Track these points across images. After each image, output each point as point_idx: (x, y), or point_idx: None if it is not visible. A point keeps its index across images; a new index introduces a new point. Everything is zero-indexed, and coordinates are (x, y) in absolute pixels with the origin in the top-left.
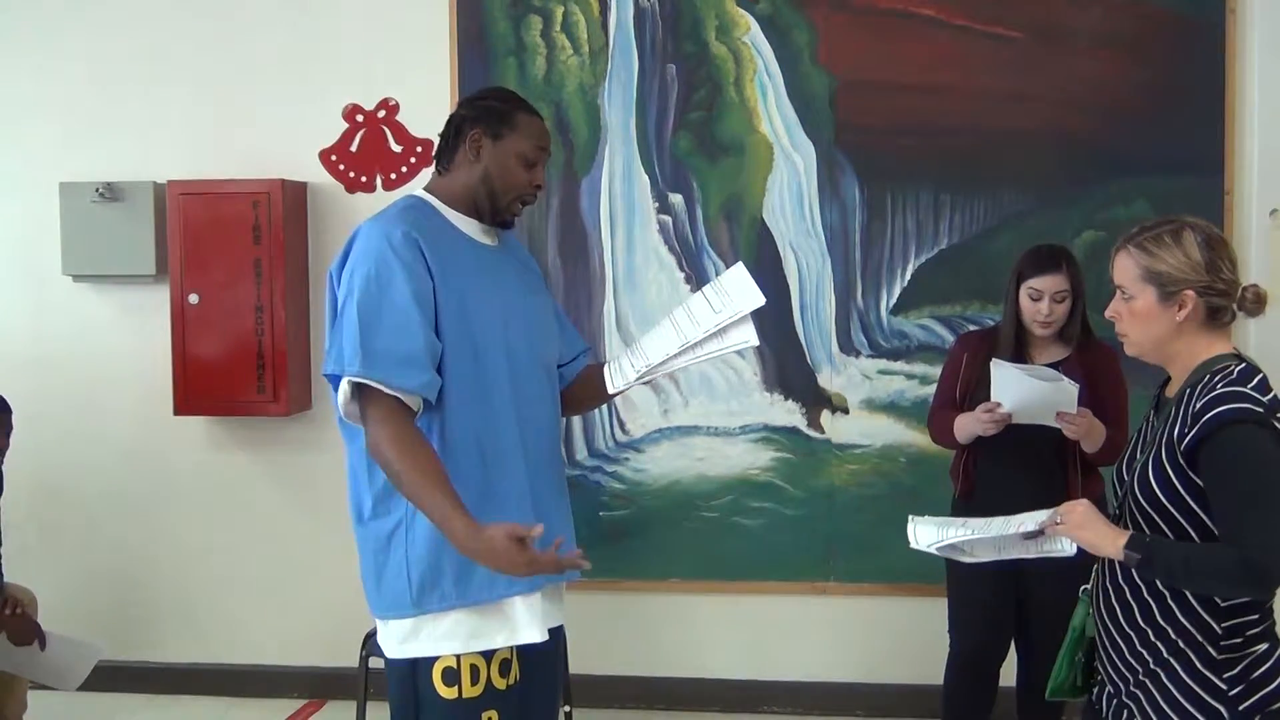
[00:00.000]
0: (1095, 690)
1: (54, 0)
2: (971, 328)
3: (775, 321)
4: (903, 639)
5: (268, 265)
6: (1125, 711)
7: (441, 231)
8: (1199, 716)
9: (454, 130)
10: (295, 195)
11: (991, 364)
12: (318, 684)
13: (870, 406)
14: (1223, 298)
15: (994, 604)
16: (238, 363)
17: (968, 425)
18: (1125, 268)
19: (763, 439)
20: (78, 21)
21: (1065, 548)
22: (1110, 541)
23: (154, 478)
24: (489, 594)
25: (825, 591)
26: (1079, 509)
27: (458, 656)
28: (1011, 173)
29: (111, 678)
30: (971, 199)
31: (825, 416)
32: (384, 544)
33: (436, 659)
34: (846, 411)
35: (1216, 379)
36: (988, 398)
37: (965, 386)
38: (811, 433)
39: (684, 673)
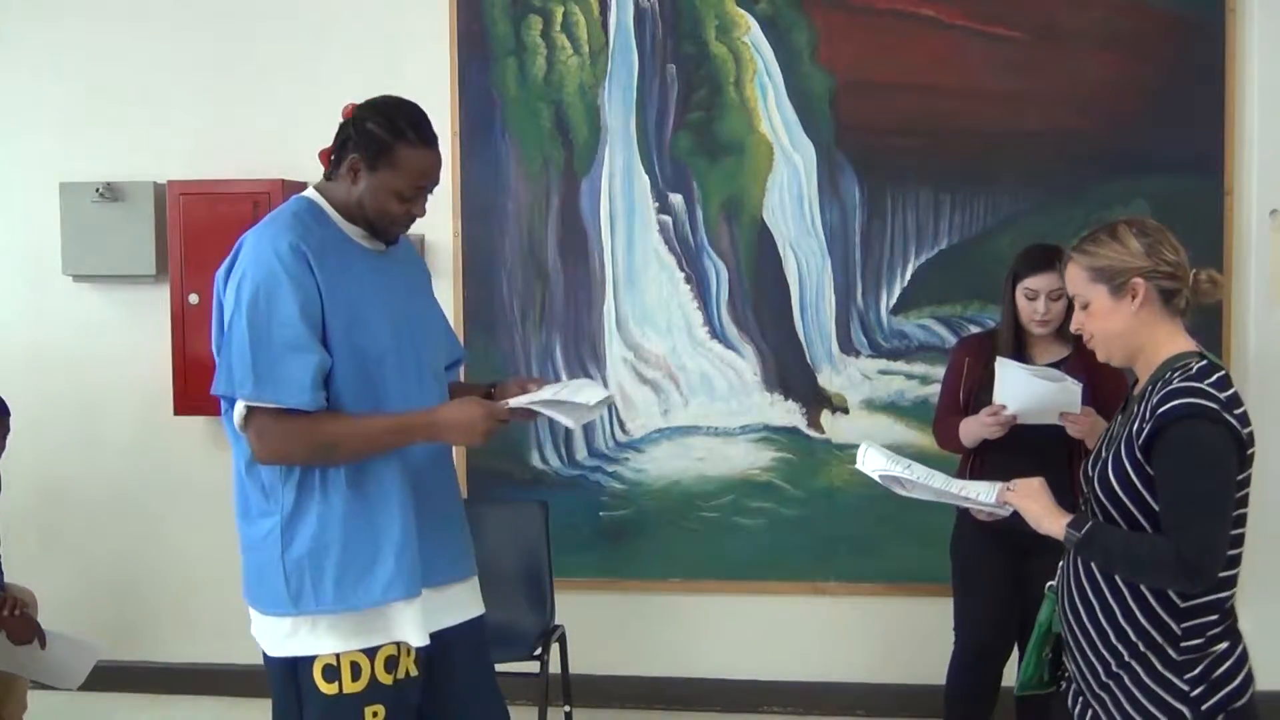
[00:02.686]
0: (1064, 684)
1: (54, 0)
2: (972, 328)
3: (775, 321)
4: (902, 639)
5: None
6: (1090, 711)
7: (329, 239)
8: (1162, 718)
9: (339, 142)
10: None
11: (997, 363)
12: None
13: (870, 406)
14: (1171, 280)
15: (1001, 603)
16: None
17: (972, 429)
18: (1074, 276)
19: (763, 439)
20: (78, 21)
21: (1004, 512)
22: (1054, 519)
23: (154, 477)
24: (368, 599)
25: (825, 591)
26: (1033, 482)
27: (336, 655)
28: (1011, 173)
29: (111, 678)
30: (971, 199)
31: (825, 416)
32: (262, 543)
33: (315, 657)
34: (846, 411)
35: (1175, 374)
36: (991, 400)
37: (968, 390)
38: (811, 433)
39: (684, 673)
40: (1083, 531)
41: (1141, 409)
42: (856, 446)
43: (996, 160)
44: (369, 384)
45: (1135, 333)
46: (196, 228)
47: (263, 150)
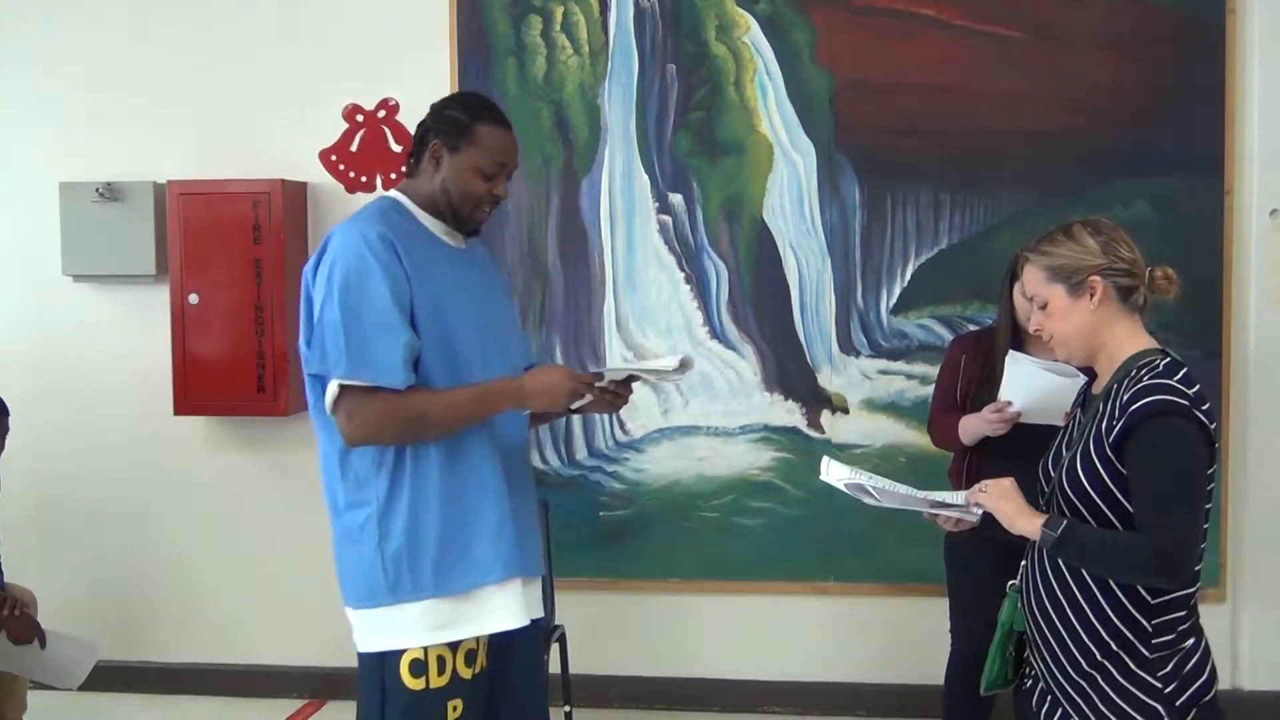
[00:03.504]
0: (1028, 682)
1: (54, 0)
2: (971, 328)
3: (775, 321)
4: (902, 639)
5: (268, 265)
6: (1060, 710)
7: (414, 233)
8: (1137, 717)
9: (419, 137)
10: (295, 195)
11: (1008, 358)
12: (318, 684)
13: (870, 406)
14: (1128, 277)
15: (994, 604)
16: (238, 363)
17: (974, 426)
18: (1031, 276)
19: (763, 439)
20: (78, 21)
21: (972, 516)
22: (1027, 518)
23: (154, 477)
24: (467, 582)
25: (825, 591)
26: (1004, 483)
27: (425, 648)
28: (1011, 173)
29: (111, 678)
30: (971, 199)
31: (825, 416)
32: (357, 535)
33: (404, 651)
34: (846, 411)
35: (1143, 372)
36: (989, 398)
37: (965, 388)
38: (811, 433)
39: (684, 673)
40: (1059, 531)
41: (1109, 407)
42: (856, 447)
43: (996, 160)
44: (455, 371)
45: (1095, 331)
46: (196, 228)
47: (263, 150)
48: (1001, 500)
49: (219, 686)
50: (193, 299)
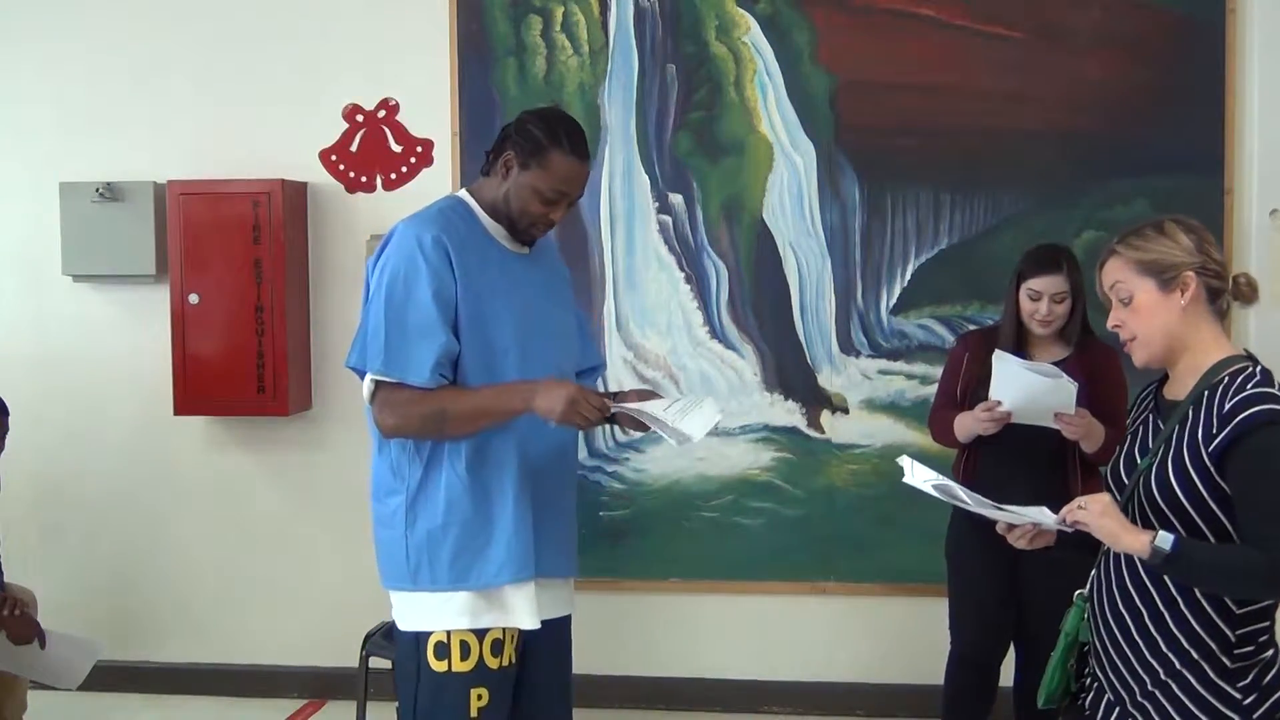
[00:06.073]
0: (1089, 696)
1: (54, 0)
2: (971, 327)
3: (775, 321)
4: (902, 639)
5: (268, 265)
6: None
7: (472, 236)
8: None
9: (499, 140)
10: (295, 195)
11: (994, 356)
12: (318, 684)
13: (870, 406)
14: (1218, 279)
15: (994, 603)
16: (238, 363)
17: (967, 424)
18: (1118, 268)
19: (763, 439)
20: (78, 21)
21: (1058, 527)
22: (1134, 534)
23: (154, 477)
24: (481, 580)
25: (825, 591)
26: (1104, 499)
27: (448, 632)
28: (1011, 173)
29: (111, 678)
30: (971, 199)
31: (825, 416)
32: (390, 520)
33: (430, 633)
34: (846, 411)
35: (1241, 380)
36: (988, 396)
37: (966, 385)
38: (811, 433)
39: (684, 673)
40: (1171, 547)
41: (1203, 414)
42: (856, 447)
43: (996, 160)
44: (490, 375)
45: (1180, 331)
46: (196, 228)
47: (263, 150)
48: (1104, 518)
49: (219, 686)
50: (193, 299)
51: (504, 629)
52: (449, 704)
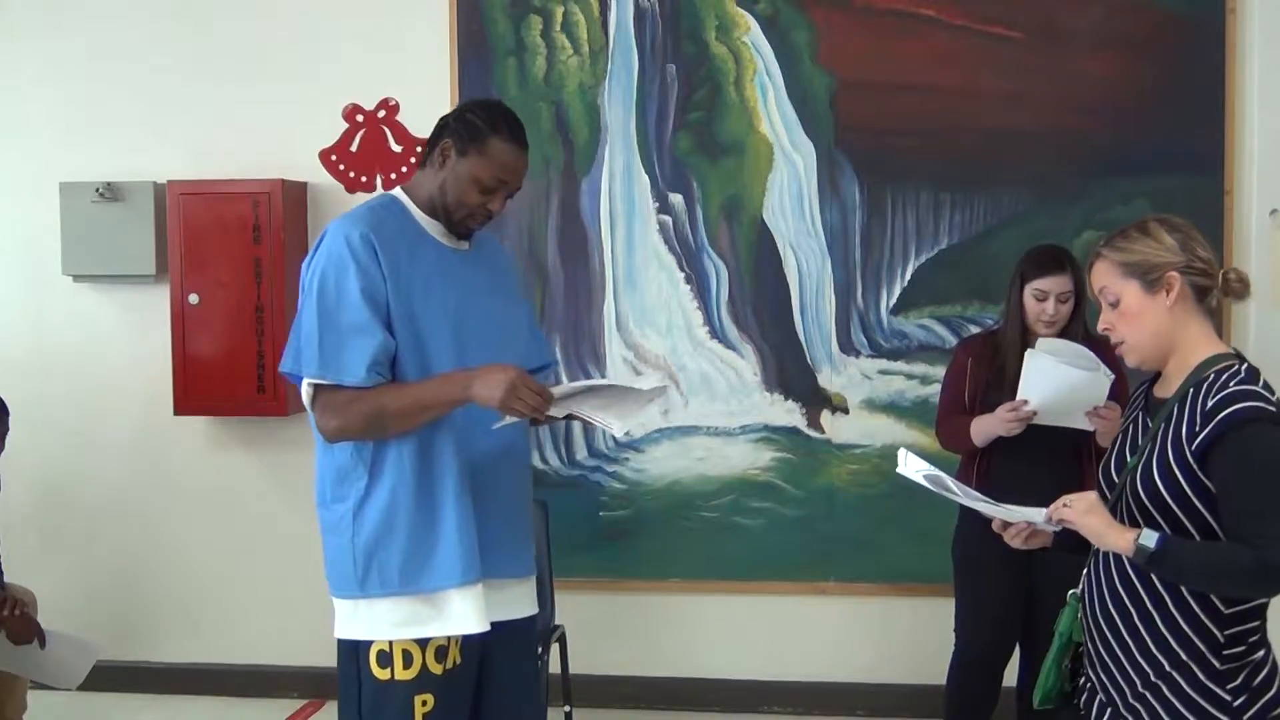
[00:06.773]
0: (1084, 696)
1: (54, 0)
2: (972, 328)
3: (775, 321)
4: (903, 639)
5: (268, 265)
6: None
7: (403, 232)
8: None
9: (435, 132)
10: (295, 195)
11: (1027, 355)
12: (318, 684)
13: (870, 406)
14: (1205, 277)
15: (1003, 604)
16: (238, 363)
17: (988, 426)
18: (1104, 270)
19: (763, 439)
20: (78, 21)
21: (1050, 526)
22: (1118, 533)
23: (154, 477)
24: (430, 583)
25: (825, 591)
26: (1089, 496)
27: (390, 642)
28: (1011, 173)
29: (111, 678)
30: (971, 199)
31: (825, 416)
32: (336, 527)
33: (372, 643)
34: (846, 411)
35: (1225, 377)
36: (998, 399)
37: (974, 390)
38: (811, 433)
39: (684, 673)
40: (1156, 545)
41: (1186, 412)
42: (856, 447)
43: (996, 160)
44: (425, 371)
45: (1169, 331)
46: (196, 228)
47: (263, 150)
48: (1089, 516)
49: (219, 686)
50: (193, 299)
51: (447, 635)
52: (392, 712)
